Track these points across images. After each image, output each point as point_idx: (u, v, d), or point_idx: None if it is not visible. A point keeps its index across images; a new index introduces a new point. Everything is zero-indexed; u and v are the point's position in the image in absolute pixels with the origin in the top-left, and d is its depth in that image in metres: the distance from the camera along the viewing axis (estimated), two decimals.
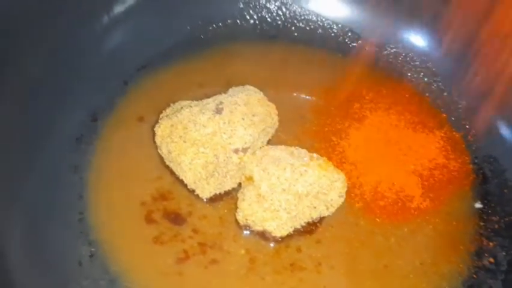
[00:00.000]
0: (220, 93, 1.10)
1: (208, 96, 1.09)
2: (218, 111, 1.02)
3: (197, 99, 1.09)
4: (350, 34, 1.36)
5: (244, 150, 1.01)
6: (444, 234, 1.05)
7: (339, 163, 1.12)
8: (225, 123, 1.00)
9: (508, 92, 1.20)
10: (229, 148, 0.99)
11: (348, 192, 1.05)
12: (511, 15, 1.21)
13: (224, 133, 0.99)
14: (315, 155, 1.06)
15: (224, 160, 0.99)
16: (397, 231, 1.03)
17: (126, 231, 0.98)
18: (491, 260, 1.02)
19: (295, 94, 1.26)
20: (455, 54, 1.29)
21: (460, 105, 1.25)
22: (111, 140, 1.10)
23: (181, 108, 1.05)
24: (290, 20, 1.38)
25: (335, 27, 1.37)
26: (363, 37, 1.36)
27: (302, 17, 1.38)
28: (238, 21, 1.36)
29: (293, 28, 1.38)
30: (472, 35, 1.26)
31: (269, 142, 1.11)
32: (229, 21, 1.36)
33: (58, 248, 0.93)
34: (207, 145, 0.98)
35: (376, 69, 1.32)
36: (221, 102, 1.04)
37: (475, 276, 1.00)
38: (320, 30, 1.38)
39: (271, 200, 0.96)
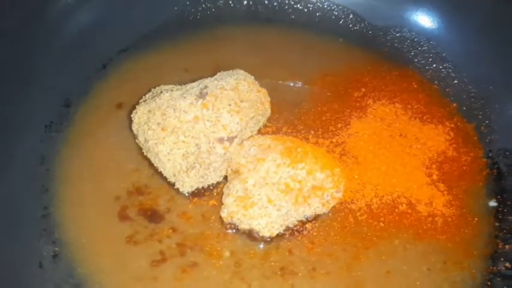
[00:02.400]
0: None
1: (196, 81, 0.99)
2: (202, 95, 0.91)
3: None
4: (351, 16, 1.26)
5: (230, 139, 0.90)
6: (455, 236, 0.94)
7: (339, 155, 1.01)
8: (208, 109, 0.89)
9: None
10: (213, 137, 0.89)
11: (347, 189, 0.96)
12: None
13: (208, 120, 0.89)
14: (310, 145, 0.95)
15: (207, 150, 0.88)
16: (402, 233, 0.93)
17: (96, 229, 0.88)
18: (508, 265, 0.91)
19: (291, 81, 1.16)
20: (467, 38, 1.18)
21: (472, 94, 1.14)
22: (84, 128, 1.01)
23: (161, 92, 0.94)
24: (287, 2, 1.28)
25: (335, 9, 1.27)
26: (366, 20, 1.25)
27: None
28: (230, 2, 1.26)
29: (290, 10, 1.28)
30: (487, 16, 1.15)
31: (260, 131, 1.01)
32: (220, 1, 1.26)
33: (17, 247, 0.83)
34: (187, 133, 0.88)
35: (380, 54, 1.22)
36: (206, 87, 0.94)
37: (489, 283, 0.89)
38: (319, 12, 1.28)
39: (259, 195, 0.85)
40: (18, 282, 0.79)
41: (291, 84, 1.15)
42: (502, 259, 0.92)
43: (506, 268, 0.90)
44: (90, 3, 1.11)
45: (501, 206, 0.99)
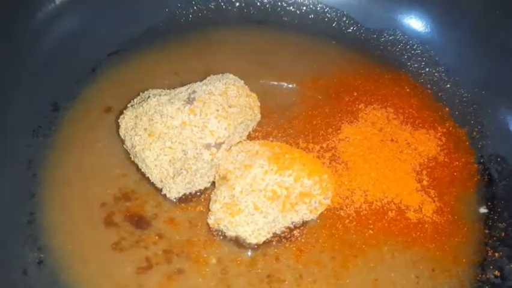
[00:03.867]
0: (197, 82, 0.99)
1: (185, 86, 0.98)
2: (189, 101, 0.90)
3: (172, 89, 0.98)
4: (344, 19, 1.25)
5: (218, 145, 0.89)
6: (444, 243, 0.93)
7: (329, 161, 1.00)
8: (196, 114, 0.88)
9: None
10: (200, 143, 0.88)
11: (336, 195, 0.95)
12: None
13: (195, 126, 0.88)
14: (299, 151, 0.95)
15: (193, 156, 0.87)
16: (391, 241, 0.92)
17: (82, 235, 0.87)
18: (497, 273, 0.90)
19: (282, 84, 1.15)
20: (460, 42, 1.17)
21: (465, 98, 1.14)
22: (72, 133, 1.00)
23: (149, 97, 0.93)
24: (280, 4, 1.27)
25: (328, 11, 1.26)
26: (359, 22, 1.24)
27: (293, 0, 1.26)
28: (222, 4, 1.25)
29: (283, 12, 1.27)
30: (480, 20, 1.14)
31: (250, 136, 1.00)
32: (212, 4, 1.24)
33: (1, 253, 0.82)
34: (174, 139, 0.87)
35: (372, 58, 1.21)
36: (194, 91, 0.93)
37: None
38: (312, 14, 1.26)
39: (246, 202, 0.84)
40: None
41: (283, 87, 1.14)
42: (491, 267, 0.91)
43: (495, 276, 0.90)
44: (80, 6, 1.09)
45: (491, 212, 0.98)
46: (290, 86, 1.15)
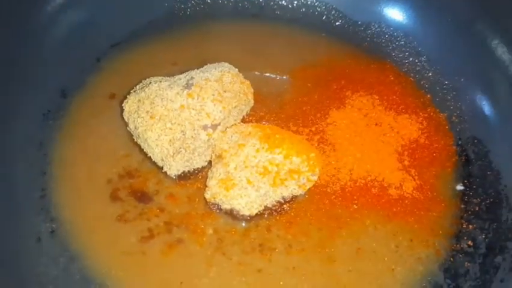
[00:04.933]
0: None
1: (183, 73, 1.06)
2: (188, 86, 0.98)
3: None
4: (333, 12, 1.32)
5: (214, 127, 0.97)
6: (423, 217, 1.00)
7: (317, 143, 1.08)
8: (193, 98, 0.96)
9: (495, 72, 1.16)
10: (198, 124, 0.95)
11: (323, 174, 1.02)
12: None
13: (193, 109, 0.96)
14: (288, 132, 1.03)
15: (192, 137, 0.95)
16: (373, 215, 0.99)
17: (89, 208, 0.95)
18: (470, 243, 0.98)
19: (275, 73, 1.22)
20: (441, 33, 1.25)
21: (445, 86, 1.21)
22: (79, 117, 1.07)
23: (150, 83, 1.01)
24: None
25: (318, 5, 1.33)
26: (347, 16, 1.32)
27: None
28: None
29: (275, 6, 1.34)
30: (459, 13, 1.21)
31: (244, 120, 1.08)
32: None
33: (17, 224, 0.90)
34: (174, 121, 0.95)
35: (360, 48, 1.29)
36: (192, 78, 1.00)
37: (452, 259, 0.96)
38: (303, 8, 1.34)
39: (240, 177, 0.92)
40: (18, 254, 0.87)
41: (275, 76, 1.22)
42: (465, 238, 0.99)
43: (469, 246, 0.98)
44: (85, 1, 1.17)
45: (467, 189, 1.06)
46: (281, 75, 1.21)
